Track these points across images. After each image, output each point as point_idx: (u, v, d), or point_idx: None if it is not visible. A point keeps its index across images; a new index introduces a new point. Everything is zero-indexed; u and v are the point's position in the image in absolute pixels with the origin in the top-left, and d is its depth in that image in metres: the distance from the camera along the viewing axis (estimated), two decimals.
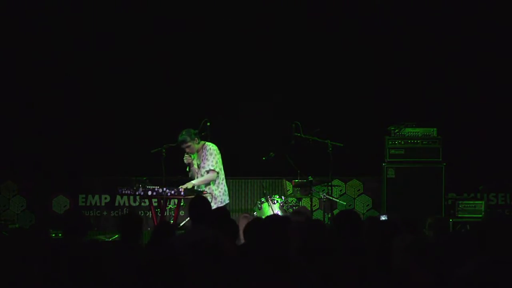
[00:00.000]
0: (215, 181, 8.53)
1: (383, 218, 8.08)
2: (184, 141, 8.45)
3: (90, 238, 7.63)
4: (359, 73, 10.99)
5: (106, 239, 9.40)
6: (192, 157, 8.60)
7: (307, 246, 4.79)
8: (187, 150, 8.50)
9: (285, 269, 4.12)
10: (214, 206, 8.37)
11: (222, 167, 8.61)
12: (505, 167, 10.66)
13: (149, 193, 8.12)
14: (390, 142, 10.23)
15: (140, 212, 10.85)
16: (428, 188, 10.01)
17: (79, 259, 3.89)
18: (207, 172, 8.46)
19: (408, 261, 4.34)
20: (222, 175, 8.62)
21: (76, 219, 5.65)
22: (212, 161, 8.46)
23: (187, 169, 8.71)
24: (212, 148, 8.54)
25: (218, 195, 8.55)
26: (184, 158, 8.56)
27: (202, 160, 8.54)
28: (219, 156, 8.54)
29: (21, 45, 10.87)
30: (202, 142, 8.58)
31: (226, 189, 8.70)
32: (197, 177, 8.57)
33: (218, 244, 4.62)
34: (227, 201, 8.66)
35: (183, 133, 8.47)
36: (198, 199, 6.38)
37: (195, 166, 8.62)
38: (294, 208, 8.90)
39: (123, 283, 3.91)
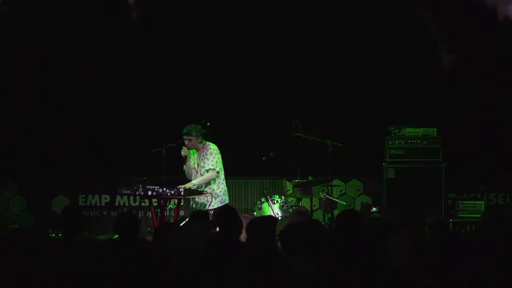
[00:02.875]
0: (216, 180, 8.52)
1: (374, 209, 8.12)
2: (189, 133, 8.41)
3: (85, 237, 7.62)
4: (359, 73, 10.98)
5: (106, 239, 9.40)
6: (191, 153, 8.56)
7: (307, 245, 4.78)
8: (187, 143, 8.44)
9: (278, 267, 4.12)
10: (214, 205, 8.38)
11: (222, 167, 8.60)
12: (505, 167, 10.66)
13: (149, 193, 8.12)
14: (390, 142, 10.23)
15: (140, 212, 10.86)
16: (428, 188, 10.01)
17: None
18: (207, 171, 8.45)
19: (405, 261, 4.34)
20: (222, 175, 8.61)
21: (70, 217, 5.61)
22: (213, 161, 8.45)
23: (184, 167, 8.68)
24: (212, 148, 8.53)
25: (219, 194, 8.54)
26: (182, 150, 8.51)
27: (203, 159, 8.54)
28: (219, 156, 8.53)
29: (21, 45, 10.86)
30: (204, 142, 8.57)
31: (226, 189, 8.69)
32: (195, 176, 8.55)
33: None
34: (227, 201, 8.65)
35: (192, 126, 8.43)
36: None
37: (195, 165, 8.61)
38: (294, 208, 8.89)
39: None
